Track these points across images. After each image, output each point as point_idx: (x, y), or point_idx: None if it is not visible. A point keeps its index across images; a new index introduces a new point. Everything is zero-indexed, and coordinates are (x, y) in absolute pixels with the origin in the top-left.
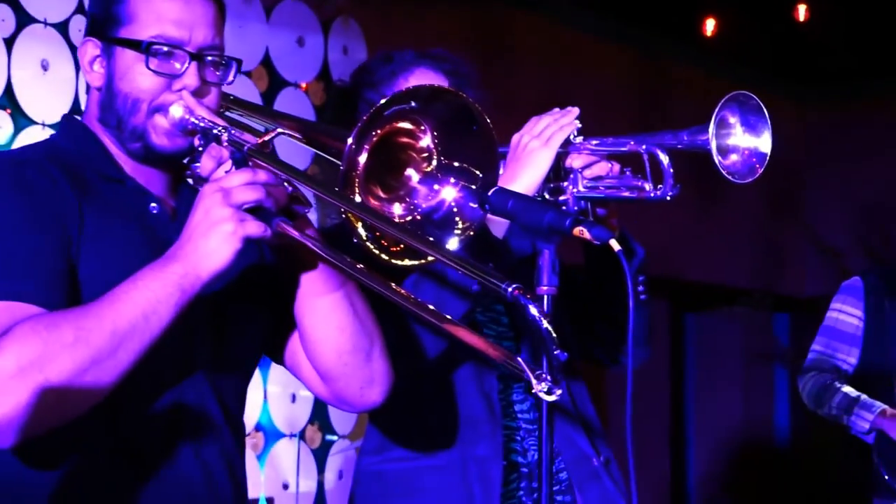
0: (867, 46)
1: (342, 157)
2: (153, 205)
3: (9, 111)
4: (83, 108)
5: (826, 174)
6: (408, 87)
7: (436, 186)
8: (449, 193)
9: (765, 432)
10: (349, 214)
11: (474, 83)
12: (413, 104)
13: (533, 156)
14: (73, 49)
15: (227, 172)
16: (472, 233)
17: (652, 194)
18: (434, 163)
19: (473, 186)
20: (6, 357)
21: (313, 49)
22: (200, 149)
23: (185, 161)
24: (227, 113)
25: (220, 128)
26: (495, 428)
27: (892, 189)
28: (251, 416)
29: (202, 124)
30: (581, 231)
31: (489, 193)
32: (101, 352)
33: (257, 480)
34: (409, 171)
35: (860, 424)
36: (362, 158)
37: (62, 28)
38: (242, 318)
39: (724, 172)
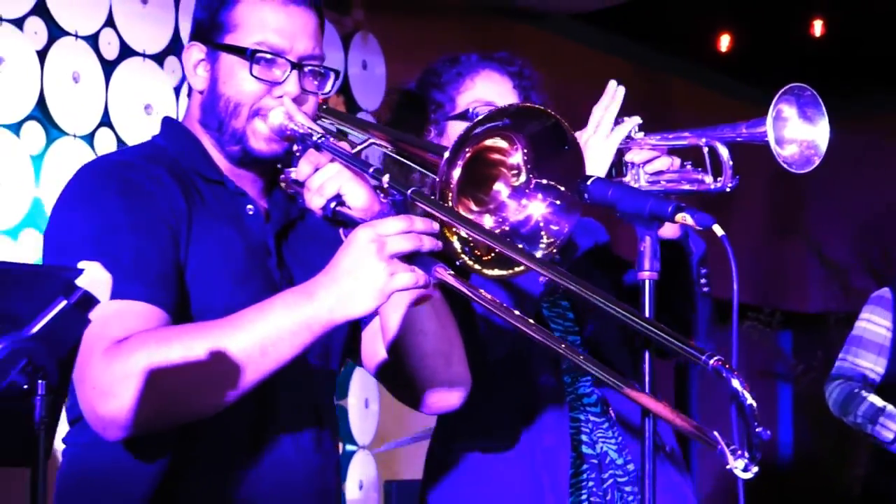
0: (868, 61)
1: (436, 170)
2: (249, 207)
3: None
4: (112, 119)
5: (828, 189)
6: (504, 105)
7: (524, 202)
8: (537, 209)
9: (767, 448)
10: (444, 227)
11: (538, 86)
12: (507, 121)
13: (593, 151)
14: (103, 61)
15: (382, 215)
16: (555, 249)
17: (712, 186)
18: (522, 178)
19: (558, 202)
20: (118, 362)
21: (334, 64)
22: (298, 154)
23: (278, 166)
24: (319, 122)
25: (319, 135)
26: (562, 419)
27: (894, 204)
28: None
29: (301, 131)
30: (684, 217)
31: (588, 183)
32: (207, 377)
33: None
34: (499, 186)
35: (884, 434)
36: (456, 173)
37: (93, 41)
38: None
39: (781, 163)
